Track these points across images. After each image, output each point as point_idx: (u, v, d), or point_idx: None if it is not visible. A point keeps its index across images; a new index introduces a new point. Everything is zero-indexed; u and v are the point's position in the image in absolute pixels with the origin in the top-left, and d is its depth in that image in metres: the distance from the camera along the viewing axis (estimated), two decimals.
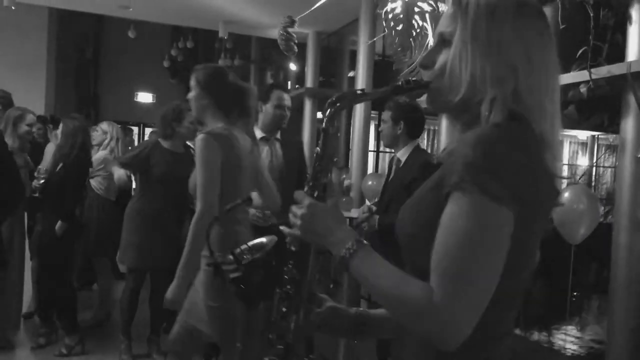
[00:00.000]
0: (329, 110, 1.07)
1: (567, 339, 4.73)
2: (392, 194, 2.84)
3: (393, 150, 3.02)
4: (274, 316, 1.09)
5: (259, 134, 3.25)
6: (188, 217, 3.78)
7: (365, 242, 0.95)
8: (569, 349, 4.49)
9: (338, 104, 1.06)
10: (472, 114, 0.94)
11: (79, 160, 3.77)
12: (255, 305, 1.21)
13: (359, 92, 1.10)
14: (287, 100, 3.21)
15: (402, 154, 2.86)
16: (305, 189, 1.07)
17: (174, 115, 3.61)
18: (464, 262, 0.83)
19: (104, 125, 4.49)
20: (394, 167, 2.93)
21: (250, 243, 1.26)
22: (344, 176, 5.34)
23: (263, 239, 1.26)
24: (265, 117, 3.18)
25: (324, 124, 1.08)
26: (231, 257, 1.23)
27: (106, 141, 4.31)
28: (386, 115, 2.88)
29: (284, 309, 1.08)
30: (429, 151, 9.31)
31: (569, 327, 5.09)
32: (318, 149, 1.09)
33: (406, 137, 2.86)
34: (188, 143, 3.90)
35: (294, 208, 1.02)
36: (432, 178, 0.96)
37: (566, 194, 3.21)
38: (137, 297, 3.67)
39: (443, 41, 0.98)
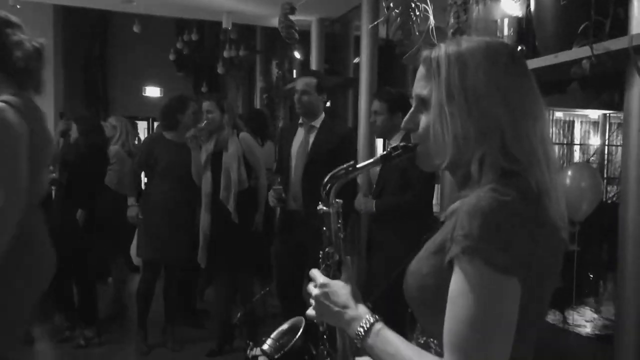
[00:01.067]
0: (324, 192, 1.08)
1: (582, 319, 4.71)
2: (385, 181, 2.85)
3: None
4: None
5: (300, 119, 3.32)
6: (199, 206, 3.82)
7: (377, 318, 0.96)
8: (584, 329, 4.47)
9: (331, 184, 1.06)
10: (465, 171, 0.93)
11: (95, 155, 3.83)
12: None
13: (349, 168, 1.07)
14: (298, 84, 3.24)
15: (396, 141, 2.87)
16: (320, 268, 1.07)
17: (178, 105, 3.65)
18: (475, 338, 0.82)
19: (112, 120, 4.53)
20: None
21: (274, 334, 1.25)
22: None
23: (284, 325, 1.26)
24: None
25: (322, 206, 1.08)
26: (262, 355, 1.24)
27: (117, 135, 4.36)
28: (379, 106, 2.88)
29: None
30: None
31: (584, 308, 5.07)
32: (325, 229, 1.09)
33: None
34: None
35: (309, 287, 1.04)
36: (434, 240, 0.95)
37: (568, 172, 3.18)
38: (153, 289, 3.72)
39: (422, 103, 0.97)
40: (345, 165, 1.08)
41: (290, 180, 3.23)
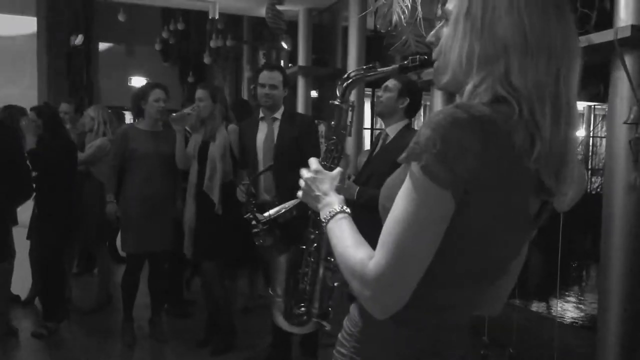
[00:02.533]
0: (341, 86, 1.17)
1: (566, 308, 4.79)
2: (374, 168, 2.81)
3: (383, 126, 2.99)
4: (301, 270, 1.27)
5: (260, 113, 3.31)
6: (180, 195, 3.79)
7: (347, 209, 1.03)
8: (568, 317, 4.54)
9: (350, 80, 1.16)
10: (463, 93, 0.92)
11: (61, 144, 3.78)
12: (277, 254, 1.37)
13: (370, 68, 1.15)
14: (266, 78, 3.23)
15: (392, 130, 2.84)
16: (320, 158, 1.19)
17: (140, 93, 3.64)
18: (395, 236, 0.86)
19: (91, 111, 4.48)
20: (380, 141, 2.90)
21: (274, 209, 1.45)
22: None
23: (285, 204, 1.43)
24: (258, 97, 3.29)
25: (337, 100, 1.18)
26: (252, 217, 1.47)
27: (95, 127, 4.31)
28: (393, 84, 2.81)
29: (308, 265, 1.25)
30: None
31: (568, 297, 5.15)
32: (332, 123, 1.21)
33: (403, 114, 2.84)
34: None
35: (303, 171, 1.13)
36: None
37: None
38: (137, 280, 3.71)
39: (446, 17, 0.96)
40: (365, 66, 1.17)
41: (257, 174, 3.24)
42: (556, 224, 3.28)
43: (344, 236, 0.98)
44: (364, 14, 3.78)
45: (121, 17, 7.21)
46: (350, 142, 5.15)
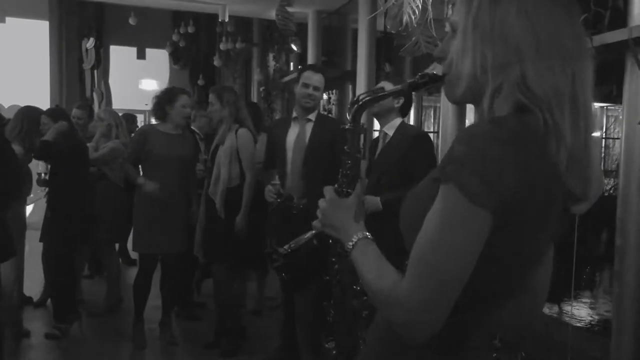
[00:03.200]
0: (352, 109, 1.14)
1: (578, 310, 4.72)
2: (382, 168, 2.80)
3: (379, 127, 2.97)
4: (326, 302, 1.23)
5: (294, 113, 3.29)
6: (196, 199, 3.80)
7: (369, 236, 1.00)
8: (582, 321, 4.48)
9: (360, 103, 1.13)
10: (478, 102, 0.91)
11: (73, 146, 3.80)
12: (298, 289, 1.32)
13: (378, 91, 1.16)
14: (311, 79, 3.18)
15: (390, 128, 2.85)
16: (336, 185, 1.15)
17: (166, 97, 3.61)
18: (430, 260, 0.82)
19: (101, 114, 4.51)
20: (380, 142, 2.90)
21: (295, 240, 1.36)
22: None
23: (305, 235, 1.35)
24: (296, 97, 3.25)
25: (348, 124, 1.15)
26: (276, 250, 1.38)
27: (105, 130, 4.32)
28: (387, 86, 2.81)
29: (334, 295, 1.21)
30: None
31: (580, 300, 5.09)
32: (346, 147, 1.17)
33: (398, 112, 2.88)
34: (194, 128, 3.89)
35: (320, 201, 1.09)
36: (437, 168, 0.94)
37: None
38: (150, 282, 3.70)
39: (453, 29, 0.94)
40: (373, 89, 1.16)
41: (286, 174, 3.21)
42: (570, 226, 3.24)
43: (370, 264, 0.94)
44: (373, 15, 3.76)
45: (132, 21, 7.26)
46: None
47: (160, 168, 3.56)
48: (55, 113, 3.91)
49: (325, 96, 6.56)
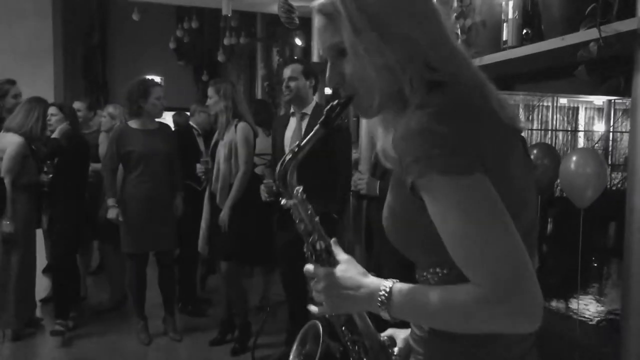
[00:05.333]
0: (280, 182, 1.00)
1: (585, 305, 4.69)
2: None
3: None
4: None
5: (291, 109, 3.27)
6: (180, 194, 3.76)
7: (393, 282, 0.90)
8: (589, 315, 4.45)
9: (285, 172, 0.99)
10: (400, 102, 0.90)
11: (77, 143, 3.78)
12: None
13: (295, 149, 0.99)
14: (285, 73, 3.18)
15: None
16: (312, 261, 0.99)
17: (140, 91, 3.51)
18: (482, 247, 0.77)
19: (110, 109, 4.48)
20: None
21: (293, 351, 1.18)
22: (354, 150, 5.28)
23: (298, 338, 1.18)
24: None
25: (285, 200, 1.01)
26: None
27: (113, 125, 4.30)
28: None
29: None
30: None
31: (587, 294, 5.05)
32: (298, 223, 1.02)
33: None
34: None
35: (312, 285, 0.97)
36: (393, 180, 0.95)
37: (573, 157, 3.12)
38: (144, 279, 3.69)
39: (337, 52, 0.93)
40: (290, 149, 1.01)
41: None
42: (576, 221, 3.21)
43: (425, 298, 0.84)
44: None
45: (135, 17, 7.23)
46: (363, 139, 5.09)
47: (143, 166, 3.52)
48: (64, 106, 3.90)
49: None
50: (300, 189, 1.01)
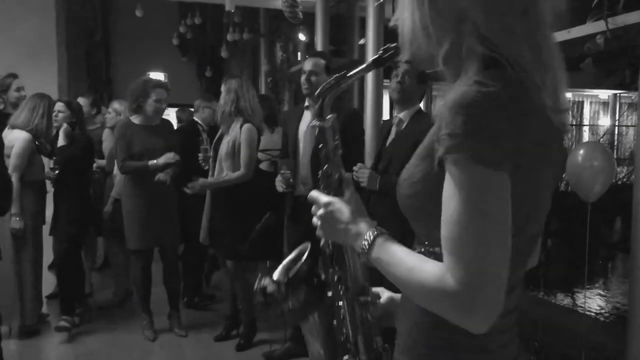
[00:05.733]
0: (317, 105, 1.04)
1: (591, 300, 4.68)
2: (393, 155, 2.72)
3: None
4: (335, 319, 1.08)
5: (306, 102, 3.25)
6: (183, 185, 3.76)
7: (381, 231, 0.93)
8: (594, 310, 4.44)
9: (324, 95, 1.03)
10: (453, 67, 0.89)
11: (83, 140, 3.79)
12: (313, 313, 1.13)
13: (340, 77, 1.03)
14: (306, 65, 3.15)
15: (406, 115, 2.76)
16: (320, 187, 1.05)
17: (140, 91, 3.55)
18: (468, 238, 0.78)
19: (116, 105, 4.48)
20: (395, 128, 2.81)
21: (283, 262, 1.20)
22: None
23: (292, 254, 1.21)
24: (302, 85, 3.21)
25: (315, 122, 1.05)
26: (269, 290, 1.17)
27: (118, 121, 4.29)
28: (411, 70, 2.72)
29: (341, 311, 1.07)
30: None
31: (593, 289, 5.03)
32: (320, 147, 1.06)
33: (418, 100, 2.81)
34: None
35: (313, 209, 1.01)
36: (423, 145, 0.92)
37: (580, 152, 3.10)
38: (149, 275, 3.70)
39: None
40: (335, 76, 1.04)
41: (298, 164, 3.17)
42: (583, 215, 3.19)
43: (399, 260, 0.87)
44: (380, 1, 3.70)
45: (138, 13, 7.22)
46: (369, 133, 5.08)
47: (145, 161, 3.53)
48: (72, 102, 3.90)
49: None
50: (334, 116, 1.06)
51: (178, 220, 3.70)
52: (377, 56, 0.99)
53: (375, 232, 0.92)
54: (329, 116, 1.05)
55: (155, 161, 3.54)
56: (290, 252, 3.58)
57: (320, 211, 1.00)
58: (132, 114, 3.65)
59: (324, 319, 1.10)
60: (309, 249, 1.14)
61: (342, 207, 0.98)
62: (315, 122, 1.05)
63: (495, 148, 0.77)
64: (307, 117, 3.20)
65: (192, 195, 3.82)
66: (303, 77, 3.12)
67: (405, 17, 0.89)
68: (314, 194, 1.02)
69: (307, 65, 3.14)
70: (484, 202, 0.78)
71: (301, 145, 3.18)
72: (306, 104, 3.24)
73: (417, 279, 0.83)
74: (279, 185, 3.15)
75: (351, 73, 1.02)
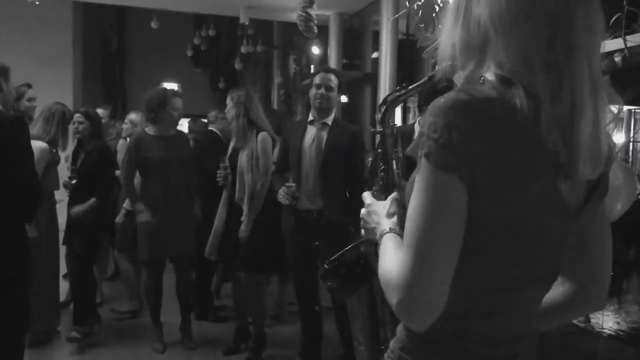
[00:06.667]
0: (380, 111, 1.16)
1: (605, 319, 4.60)
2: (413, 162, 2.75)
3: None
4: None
5: (310, 116, 3.25)
6: (197, 200, 3.76)
7: (396, 230, 1.00)
8: (607, 330, 4.36)
9: (387, 104, 1.16)
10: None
11: (101, 149, 3.81)
12: (346, 296, 1.31)
13: (402, 89, 1.15)
14: (323, 80, 3.15)
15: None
16: (375, 189, 1.19)
17: (157, 102, 3.55)
18: (414, 233, 0.82)
19: (132, 116, 4.51)
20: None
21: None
22: (370, 159, 5.26)
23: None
24: (311, 100, 3.23)
25: (378, 126, 1.17)
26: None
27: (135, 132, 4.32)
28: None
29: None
30: None
31: (608, 308, 4.95)
32: (379, 151, 1.19)
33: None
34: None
35: (362, 210, 1.13)
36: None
37: None
38: (159, 286, 3.69)
39: None
40: (397, 88, 1.16)
41: (301, 178, 3.16)
42: None
43: (385, 252, 0.95)
44: (396, 16, 3.70)
45: (154, 24, 7.31)
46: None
47: (160, 172, 3.53)
48: (89, 112, 3.92)
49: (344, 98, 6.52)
50: (396, 125, 1.20)
51: (191, 231, 3.68)
52: (432, 74, 1.08)
53: (387, 230, 1.01)
54: (391, 123, 1.18)
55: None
56: (293, 267, 3.60)
57: (363, 211, 1.12)
58: (148, 124, 3.66)
59: (364, 302, 1.25)
60: (360, 241, 1.26)
61: (378, 209, 1.09)
62: (377, 129, 1.17)
63: (447, 151, 0.79)
64: (311, 132, 3.19)
65: (205, 206, 3.84)
66: (320, 92, 3.13)
67: (443, 34, 0.92)
68: (365, 194, 1.15)
69: (325, 80, 3.14)
70: (431, 202, 0.82)
71: (306, 159, 3.17)
72: (310, 118, 3.23)
73: (388, 268, 0.88)
74: (285, 198, 3.13)
75: (412, 86, 1.14)
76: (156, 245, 3.56)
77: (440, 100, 0.82)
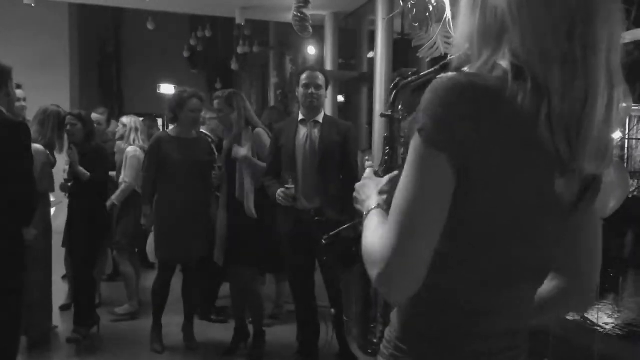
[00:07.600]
0: (390, 96, 1.18)
1: (603, 316, 4.62)
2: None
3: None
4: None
5: (300, 115, 3.26)
6: (214, 203, 3.77)
7: (383, 207, 1.01)
8: (605, 326, 4.38)
9: (398, 89, 1.17)
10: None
11: (96, 151, 3.81)
12: (340, 271, 1.38)
13: (414, 73, 1.17)
14: (311, 79, 3.17)
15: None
16: (381, 168, 1.20)
17: (176, 102, 3.58)
18: (399, 206, 0.83)
19: (124, 119, 4.53)
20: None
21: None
22: (367, 158, 5.28)
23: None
24: (300, 100, 3.24)
25: (388, 110, 1.18)
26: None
27: (126, 134, 4.34)
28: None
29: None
30: None
31: (605, 305, 4.98)
32: (386, 134, 1.21)
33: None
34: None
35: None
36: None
37: None
38: (168, 288, 3.70)
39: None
40: (409, 73, 1.18)
41: (298, 179, 3.15)
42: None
43: (369, 227, 0.95)
44: (390, 16, 3.72)
45: (150, 26, 7.32)
46: (376, 147, 5.10)
47: (178, 174, 3.54)
48: (81, 114, 3.92)
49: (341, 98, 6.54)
50: (403, 110, 1.21)
51: (206, 234, 3.69)
52: (445, 62, 1.07)
53: (374, 206, 1.01)
54: (400, 109, 1.21)
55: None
56: (289, 265, 3.62)
57: (359, 183, 1.12)
58: (170, 124, 3.71)
59: (358, 280, 1.31)
60: (358, 221, 1.29)
61: (370, 184, 1.09)
62: (387, 112, 1.19)
63: (437, 128, 0.80)
64: (302, 131, 3.20)
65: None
66: (310, 91, 3.14)
67: (459, 21, 0.91)
68: (367, 170, 1.15)
69: (313, 78, 3.16)
70: (418, 177, 0.82)
71: (300, 158, 3.17)
72: (300, 117, 3.24)
73: (371, 242, 0.89)
74: (285, 199, 3.11)
75: (426, 72, 1.14)
76: (173, 247, 3.57)
77: (443, 79, 0.82)
